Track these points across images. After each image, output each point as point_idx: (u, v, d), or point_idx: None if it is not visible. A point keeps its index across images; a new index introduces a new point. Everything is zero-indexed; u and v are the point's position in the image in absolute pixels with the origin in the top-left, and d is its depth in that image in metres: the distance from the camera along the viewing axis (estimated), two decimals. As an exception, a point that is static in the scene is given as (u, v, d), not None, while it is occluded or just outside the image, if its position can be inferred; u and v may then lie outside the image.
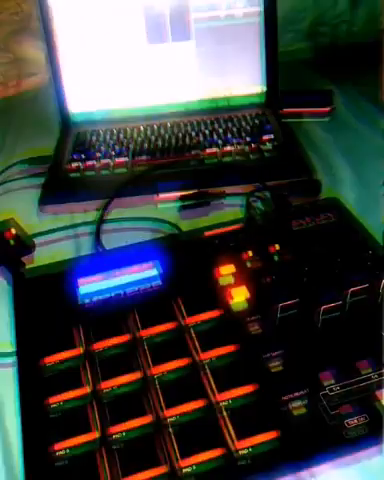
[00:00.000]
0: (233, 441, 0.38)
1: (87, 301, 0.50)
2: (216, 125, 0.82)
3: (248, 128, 0.80)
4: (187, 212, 0.67)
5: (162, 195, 0.69)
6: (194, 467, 0.37)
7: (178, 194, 0.68)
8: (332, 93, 0.90)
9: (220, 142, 0.77)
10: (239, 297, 0.49)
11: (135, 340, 0.46)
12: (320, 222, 0.57)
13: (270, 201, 0.65)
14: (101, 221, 0.66)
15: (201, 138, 0.78)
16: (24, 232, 0.62)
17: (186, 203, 0.67)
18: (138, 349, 0.45)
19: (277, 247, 0.53)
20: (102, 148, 0.78)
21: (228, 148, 0.76)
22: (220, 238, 0.56)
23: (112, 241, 0.61)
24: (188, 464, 0.37)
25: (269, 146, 0.76)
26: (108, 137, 0.81)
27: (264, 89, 0.85)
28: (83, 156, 0.77)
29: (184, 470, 0.37)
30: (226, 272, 0.52)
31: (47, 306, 0.50)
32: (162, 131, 0.81)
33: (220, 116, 0.84)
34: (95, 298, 0.50)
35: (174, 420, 0.40)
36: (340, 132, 0.81)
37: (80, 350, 0.45)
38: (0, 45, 1.01)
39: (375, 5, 1.11)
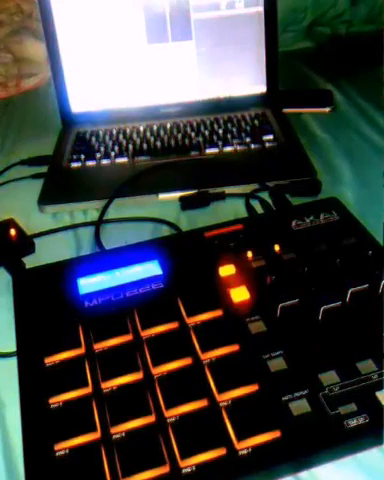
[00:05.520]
0: (234, 441, 0.38)
1: (87, 301, 0.50)
2: (216, 125, 0.82)
3: (248, 128, 0.80)
4: (187, 212, 0.67)
5: (162, 195, 0.69)
6: (196, 467, 0.37)
7: (178, 194, 0.68)
8: (332, 93, 0.91)
9: (220, 142, 0.77)
10: (239, 297, 0.49)
11: (136, 340, 0.46)
12: (320, 222, 0.57)
13: (270, 201, 0.65)
14: (101, 221, 0.66)
15: (201, 138, 0.79)
16: (24, 232, 0.63)
17: (186, 203, 0.67)
18: (139, 349, 0.45)
19: (277, 247, 0.53)
20: (102, 148, 0.79)
21: (228, 148, 0.76)
22: (220, 238, 0.56)
23: (112, 241, 0.61)
24: (190, 464, 0.37)
25: (269, 146, 0.76)
26: (108, 137, 0.81)
27: (264, 89, 0.85)
28: (83, 156, 0.77)
29: (186, 470, 0.37)
30: (226, 272, 0.52)
31: (48, 306, 0.50)
32: (162, 131, 0.81)
33: (220, 116, 0.84)
34: (96, 298, 0.50)
35: (176, 420, 0.40)
36: (340, 132, 0.81)
37: (81, 350, 0.45)
38: (0, 45, 1.01)
39: (375, 5, 1.11)
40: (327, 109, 0.87)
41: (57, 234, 0.65)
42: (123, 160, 0.76)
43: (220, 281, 0.51)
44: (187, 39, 0.81)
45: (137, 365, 0.43)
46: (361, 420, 0.39)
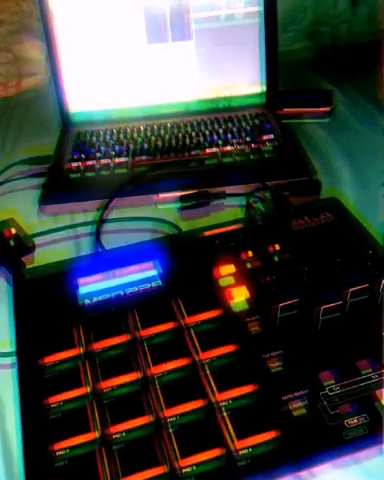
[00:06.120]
0: (233, 441, 0.38)
1: (87, 301, 0.50)
2: (216, 125, 0.82)
3: (248, 128, 0.80)
4: (187, 212, 0.67)
5: (162, 195, 0.69)
6: (194, 467, 0.37)
7: (178, 194, 0.68)
8: (332, 93, 0.90)
9: (220, 142, 0.77)
10: (239, 297, 0.49)
11: (135, 340, 0.46)
12: (320, 222, 0.57)
13: (270, 201, 0.65)
14: (101, 221, 0.66)
15: (201, 138, 0.78)
16: (24, 232, 0.62)
17: (186, 203, 0.67)
18: (138, 349, 0.45)
19: (277, 247, 0.53)
20: (102, 148, 0.78)
21: (228, 148, 0.76)
22: (220, 238, 0.56)
23: (112, 241, 0.61)
24: (188, 464, 0.37)
25: (269, 146, 0.76)
26: (108, 137, 0.81)
27: (264, 89, 0.85)
28: (83, 156, 0.77)
29: (184, 470, 0.37)
30: (226, 272, 0.52)
31: (47, 306, 0.50)
32: (162, 131, 0.81)
33: (220, 116, 0.84)
34: (95, 298, 0.50)
35: (174, 420, 0.40)
36: (340, 132, 0.81)
37: (80, 350, 0.45)
38: (0, 45, 1.01)
39: (375, 5, 1.11)
40: (327, 109, 0.87)
41: (57, 234, 0.65)
42: (123, 160, 0.76)
43: (220, 281, 0.51)
44: (187, 39, 0.80)
45: (136, 365, 0.43)
46: (361, 420, 0.39)
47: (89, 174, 0.75)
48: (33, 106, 0.97)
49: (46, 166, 0.77)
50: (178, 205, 0.67)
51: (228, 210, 0.66)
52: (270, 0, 0.79)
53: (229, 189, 0.68)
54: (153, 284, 0.51)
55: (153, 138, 0.80)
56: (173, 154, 0.76)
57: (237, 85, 0.84)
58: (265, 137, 0.78)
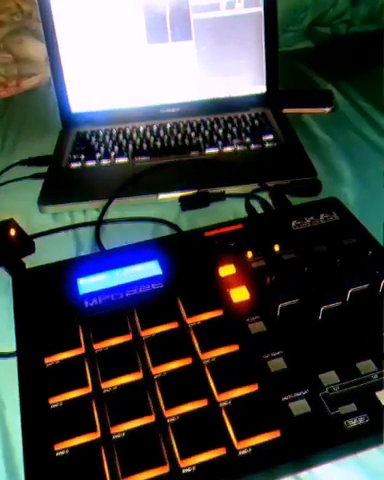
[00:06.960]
0: (234, 441, 0.38)
1: (87, 301, 0.50)
2: (216, 125, 0.82)
3: (248, 128, 0.80)
4: (187, 212, 0.67)
5: (162, 196, 0.69)
6: (195, 467, 0.37)
7: (178, 194, 0.68)
8: (332, 93, 0.91)
9: (220, 143, 0.77)
10: (239, 297, 0.49)
11: (136, 340, 0.46)
12: (320, 222, 0.57)
13: (270, 201, 0.65)
14: (101, 221, 0.66)
15: (201, 139, 0.79)
16: (24, 232, 0.62)
17: (186, 203, 0.67)
18: (139, 349, 0.45)
19: (277, 247, 0.53)
20: (102, 148, 0.79)
21: (228, 148, 0.76)
22: (220, 238, 0.56)
23: (112, 241, 0.61)
24: (190, 464, 0.37)
25: (269, 146, 0.76)
26: (108, 137, 0.81)
27: (264, 89, 0.85)
28: (83, 156, 0.77)
29: (185, 470, 0.37)
30: (226, 272, 0.52)
31: (48, 306, 0.50)
32: (162, 131, 0.81)
33: (220, 116, 0.84)
34: (95, 298, 0.50)
35: (175, 420, 0.40)
36: (340, 132, 0.81)
37: (81, 350, 0.45)
38: (0, 45, 1.01)
39: (375, 4, 1.11)
40: (327, 109, 0.87)
41: (57, 234, 0.65)
42: (123, 160, 0.76)
43: (220, 281, 0.51)
44: (187, 39, 0.81)
45: (137, 365, 0.43)
46: (361, 420, 0.39)
47: (89, 174, 0.75)
48: (33, 106, 0.97)
49: (46, 166, 0.77)
50: (178, 205, 0.67)
51: (228, 210, 0.66)
52: (270, 0, 0.79)
53: (229, 189, 0.68)
54: (153, 284, 0.51)
55: (153, 138, 0.80)
56: (173, 154, 0.76)
57: (237, 85, 0.84)
58: (265, 137, 0.78)
